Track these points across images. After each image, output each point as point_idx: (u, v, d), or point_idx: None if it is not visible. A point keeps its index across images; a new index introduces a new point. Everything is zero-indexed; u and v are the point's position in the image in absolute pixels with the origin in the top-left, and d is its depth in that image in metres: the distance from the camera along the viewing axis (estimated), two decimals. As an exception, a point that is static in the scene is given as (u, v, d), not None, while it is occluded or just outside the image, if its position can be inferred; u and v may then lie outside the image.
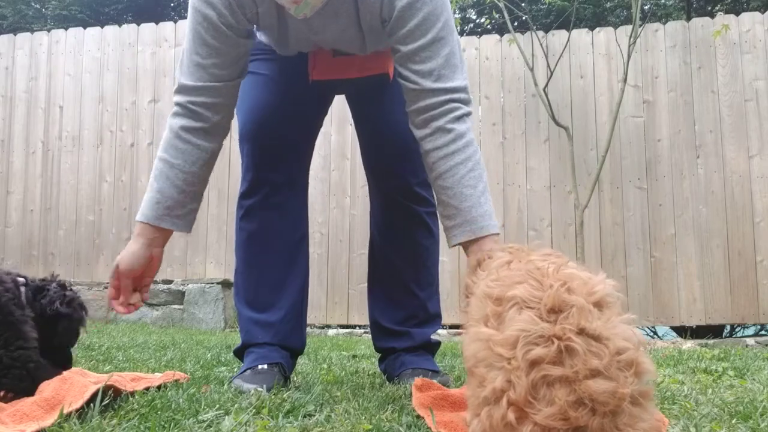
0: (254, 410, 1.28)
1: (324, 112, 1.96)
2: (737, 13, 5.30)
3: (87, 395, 1.22)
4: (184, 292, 5.27)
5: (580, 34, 5.35)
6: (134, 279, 1.60)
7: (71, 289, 1.56)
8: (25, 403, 1.21)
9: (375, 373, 2.11)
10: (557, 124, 5.08)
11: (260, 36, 1.81)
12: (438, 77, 1.53)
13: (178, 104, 1.63)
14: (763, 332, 6.07)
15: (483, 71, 5.45)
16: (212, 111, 1.62)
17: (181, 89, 1.62)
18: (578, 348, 0.83)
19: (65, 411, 1.14)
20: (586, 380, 0.80)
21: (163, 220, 1.60)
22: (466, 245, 1.47)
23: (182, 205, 1.63)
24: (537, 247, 1.12)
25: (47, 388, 1.30)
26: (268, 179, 1.83)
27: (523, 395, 0.82)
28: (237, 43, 1.61)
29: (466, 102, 1.55)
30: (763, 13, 5.17)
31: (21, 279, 1.48)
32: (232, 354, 2.14)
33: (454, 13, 6.60)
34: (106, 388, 1.28)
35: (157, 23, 5.92)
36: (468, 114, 1.55)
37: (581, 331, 0.84)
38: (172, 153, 1.61)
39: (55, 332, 1.50)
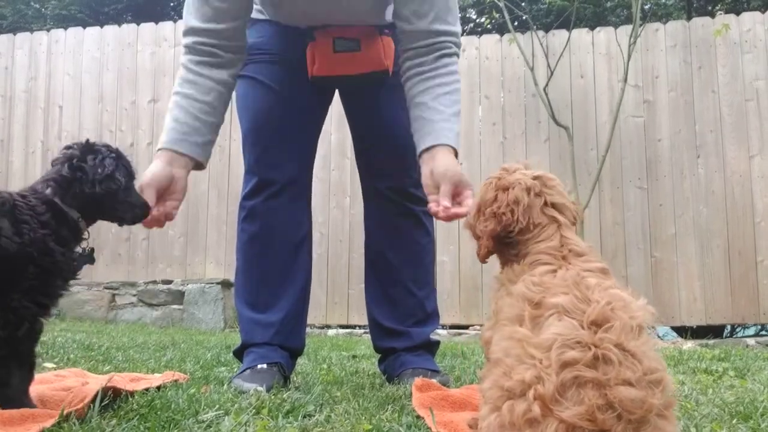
0: (254, 410, 1.28)
1: (324, 113, 1.97)
2: (738, 13, 5.30)
3: (88, 399, 1.22)
4: (184, 292, 5.26)
5: (581, 34, 5.35)
6: (158, 196, 1.57)
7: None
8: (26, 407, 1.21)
9: (375, 373, 2.11)
10: (557, 123, 5.08)
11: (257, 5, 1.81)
12: (435, 18, 1.63)
13: (187, 46, 1.67)
14: (763, 332, 6.07)
15: (483, 71, 5.44)
16: (223, 50, 1.66)
17: (190, 31, 1.66)
18: (614, 358, 0.84)
19: (65, 411, 1.14)
20: (618, 387, 0.82)
21: (179, 144, 1.61)
22: (422, 154, 1.58)
23: (199, 133, 1.63)
24: (586, 253, 1.10)
25: (46, 390, 1.30)
26: (270, 181, 1.83)
27: (551, 391, 0.82)
28: None
29: (458, 45, 1.67)
30: (763, 12, 5.17)
31: (48, 192, 1.29)
32: (231, 354, 2.14)
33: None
34: (106, 389, 1.28)
35: (156, 23, 5.92)
36: (457, 54, 1.67)
37: (618, 346, 0.86)
38: (185, 86, 1.65)
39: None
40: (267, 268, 1.84)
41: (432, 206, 1.52)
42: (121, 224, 1.47)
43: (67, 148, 1.36)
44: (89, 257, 1.44)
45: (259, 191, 1.84)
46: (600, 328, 0.88)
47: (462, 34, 6.79)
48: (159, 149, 1.61)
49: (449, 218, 1.51)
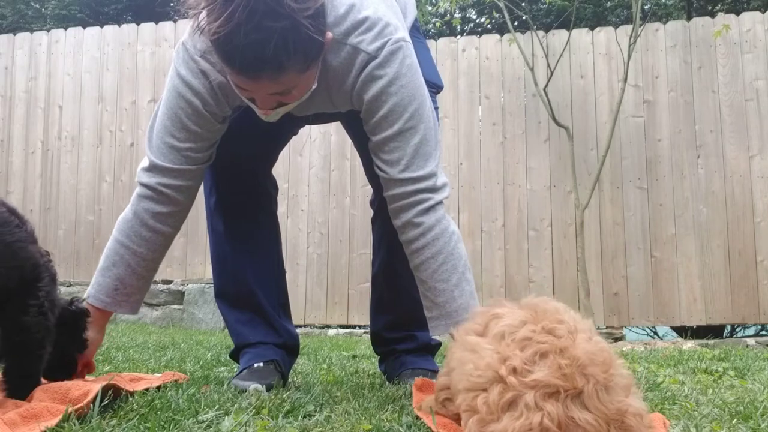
0: (254, 410, 1.28)
1: (295, 130, 1.94)
2: (737, 13, 5.31)
3: (91, 396, 1.22)
4: (184, 292, 5.27)
5: (581, 34, 5.35)
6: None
7: None
8: (29, 404, 1.20)
9: (375, 373, 2.11)
10: (557, 123, 5.08)
11: None
12: (406, 167, 1.52)
13: (147, 186, 1.59)
14: (763, 332, 6.08)
15: (483, 71, 5.45)
16: (184, 194, 1.60)
17: (153, 169, 1.58)
18: (561, 329, 0.92)
19: (69, 411, 1.14)
20: (573, 346, 0.90)
21: (121, 305, 1.60)
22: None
23: (139, 290, 1.63)
24: None
25: (49, 389, 1.30)
26: (227, 179, 1.82)
27: (520, 363, 0.88)
28: (216, 128, 1.59)
29: (434, 190, 1.53)
30: (763, 12, 5.18)
31: None
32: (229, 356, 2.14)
33: (454, 12, 6.60)
34: (107, 388, 1.28)
35: (156, 23, 5.93)
36: (438, 203, 1.54)
37: (560, 323, 0.95)
38: (136, 240, 1.58)
39: None
40: (238, 265, 1.84)
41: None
42: None
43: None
44: None
45: (218, 188, 1.83)
46: (536, 312, 0.98)
47: (462, 35, 6.78)
48: (94, 306, 1.58)
49: None
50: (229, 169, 1.79)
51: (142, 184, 1.60)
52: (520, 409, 0.84)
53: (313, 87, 1.47)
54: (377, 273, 1.98)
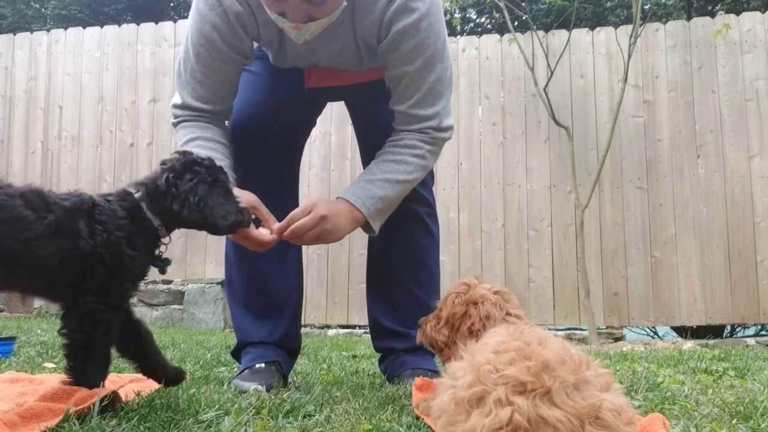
0: (254, 410, 1.28)
1: (315, 116, 1.96)
2: (738, 13, 5.31)
3: (94, 398, 1.22)
4: (184, 292, 5.27)
5: (581, 34, 5.35)
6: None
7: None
8: (30, 404, 1.20)
9: (375, 373, 2.11)
10: (557, 123, 5.08)
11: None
12: (417, 102, 1.61)
13: (184, 118, 1.68)
14: (763, 332, 6.07)
15: (483, 71, 5.45)
16: (220, 117, 1.73)
17: (186, 107, 1.67)
18: (533, 343, 0.93)
19: (69, 411, 1.14)
20: (544, 351, 0.90)
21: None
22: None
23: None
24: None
25: (50, 390, 1.30)
26: (253, 174, 1.82)
27: (494, 361, 0.89)
28: (237, 61, 1.65)
29: (438, 129, 1.63)
30: (763, 12, 5.18)
31: (137, 196, 1.33)
32: (230, 355, 2.14)
33: (455, 12, 6.60)
34: (107, 393, 1.27)
35: (156, 23, 5.92)
36: (436, 139, 1.64)
37: (535, 336, 0.97)
38: (201, 130, 1.66)
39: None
40: (258, 263, 1.84)
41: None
42: (214, 234, 1.46)
43: (170, 160, 1.37)
44: (161, 264, 1.49)
45: (244, 184, 1.84)
46: (517, 332, 1.01)
47: (462, 34, 6.76)
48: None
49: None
50: (258, 168, 1.81)
51: (180, 118, 1.68)
52: (489, 405, 0.81)
53: (344, 3, 1.50)
54: (371, 259, 2.01)
